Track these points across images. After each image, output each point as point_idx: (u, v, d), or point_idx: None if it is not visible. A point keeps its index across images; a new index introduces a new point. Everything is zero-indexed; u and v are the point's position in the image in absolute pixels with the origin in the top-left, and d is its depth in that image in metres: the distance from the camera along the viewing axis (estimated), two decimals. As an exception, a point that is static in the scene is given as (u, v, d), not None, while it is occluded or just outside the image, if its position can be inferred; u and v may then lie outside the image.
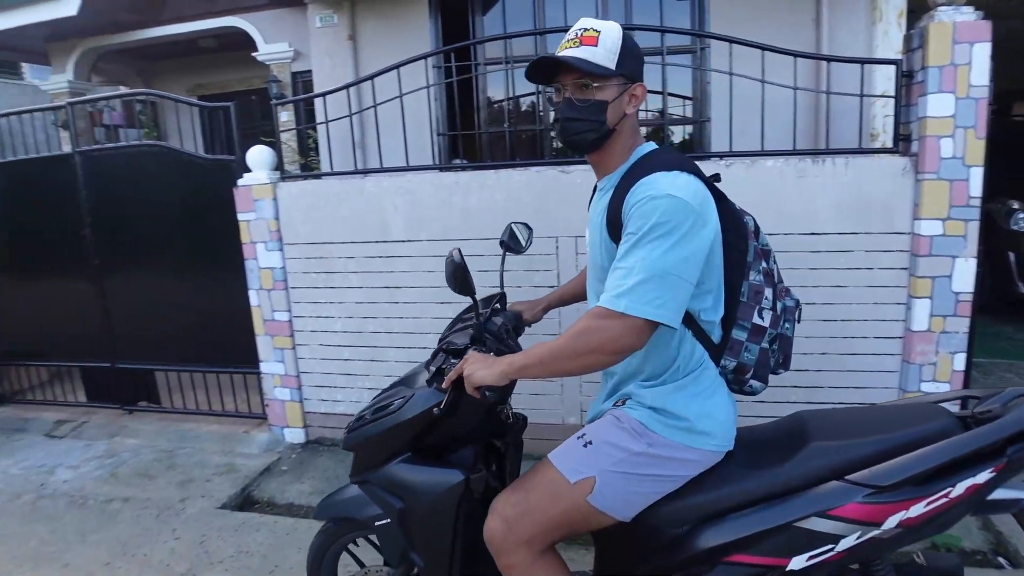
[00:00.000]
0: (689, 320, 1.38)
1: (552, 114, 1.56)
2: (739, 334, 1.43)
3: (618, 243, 1.32)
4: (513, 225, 1.99)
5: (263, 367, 3.71)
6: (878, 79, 3.96)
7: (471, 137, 4.75)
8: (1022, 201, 5.40)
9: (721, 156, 3.07)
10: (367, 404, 1.73)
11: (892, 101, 3.01)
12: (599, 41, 1.35)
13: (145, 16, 6.75)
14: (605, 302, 1.26)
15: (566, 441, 1.48)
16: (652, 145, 1.46)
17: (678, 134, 5.12)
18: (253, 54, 6.74)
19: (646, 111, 4.81)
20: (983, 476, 1.21)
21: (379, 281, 3.46)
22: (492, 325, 1.70)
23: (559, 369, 1.32)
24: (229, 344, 3.83)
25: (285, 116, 6.58)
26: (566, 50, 1.37)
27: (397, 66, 3.24)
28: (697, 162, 2.94)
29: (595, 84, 1.36)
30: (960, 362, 2.90)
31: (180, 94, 7.74)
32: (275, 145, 3.60)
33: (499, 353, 1.50)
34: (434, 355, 1.66)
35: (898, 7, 3.88)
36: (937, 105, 2.71)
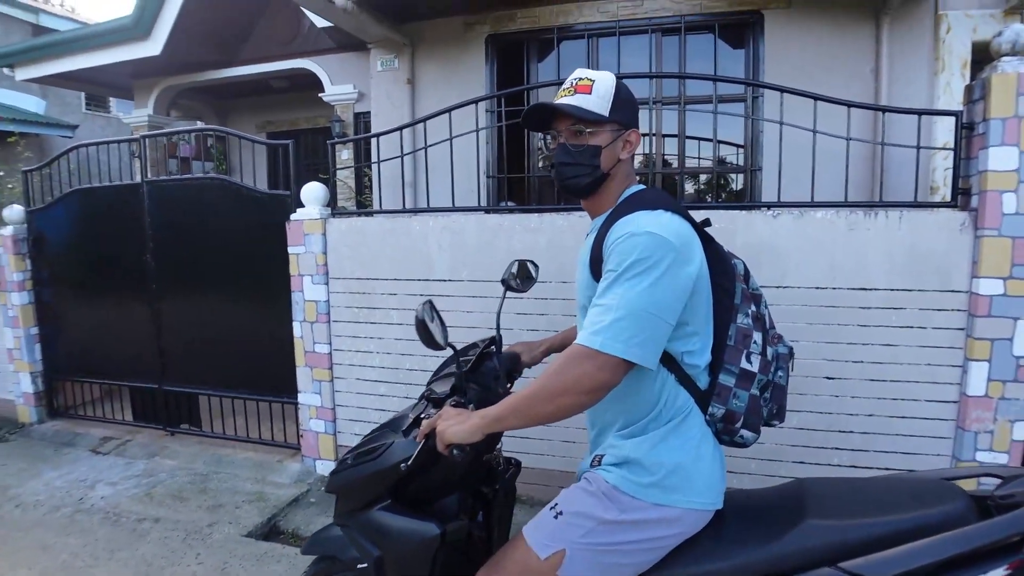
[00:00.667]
0: (672, 363, 1.34)
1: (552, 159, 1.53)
2: (727, 379, 1.38)
3: (598, 280, 1.32)
4: (518, 262, 1.94)
5: (301, 398, 3.78)
6: (939, 131, 3.84)
7: (520, 180, 4.82)
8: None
9: (769, 206, 3.00)
10: (354, 446, 1.70)
11: (952, 155, 2.91)
12: (593, 89, 1.39)
13: (223, 57, 7.18)
14: (582, 340, 1.23)
15: (540, 511, 1.43)
16: (640, 186, 1.48)
17: (731, 183, 5.07)
18: (320, 95, 7.06)
19: (698, 158, 4.79)
20: (994, 574, 1.08)
21: (419, 318, 3.49)
22: (480, 372, 1.64)
23: (535, 415, 1.25)
24: (270, 373, 3.92)
25: (346, 154, 6.85)
26: (562, 98, 1.41)
27: (449, 110, 3.34)
28: (744, 211, 2.89)
29: (588, 130, 1.40)
30: (1021, 431, 2.71)
31: (251, 130, 8.22)
32: (330, 182, 3.73)
33: (484, 402, 1.43)
34: (420, 399, 1.63)
35: (962, 57, 3.77)
36: (999, 158, 2.60)
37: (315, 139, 8.15)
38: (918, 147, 2.91)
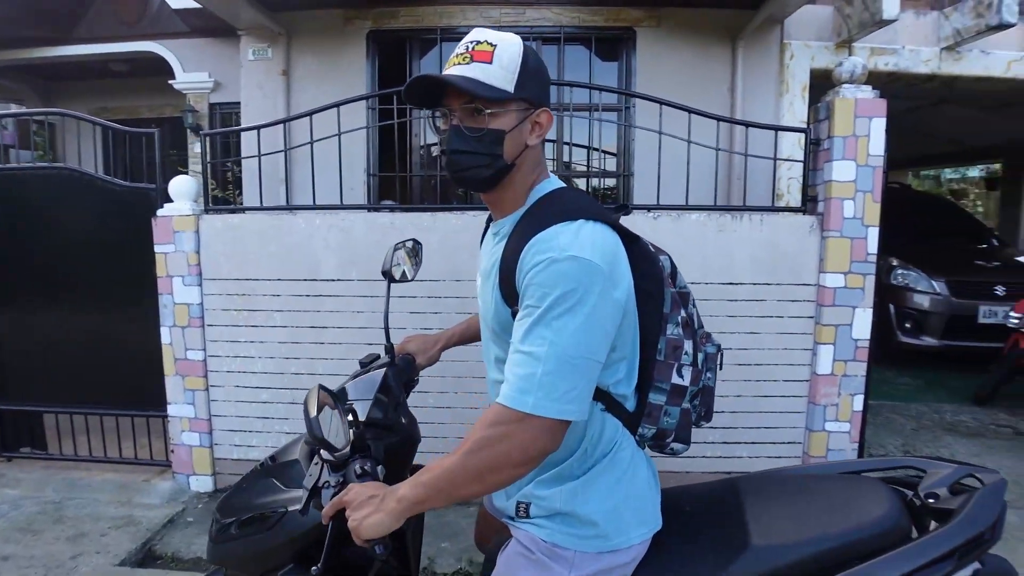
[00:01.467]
0: (598, 394, 1.15)
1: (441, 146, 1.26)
2: (657, 398, 1.21)
3: (512, 308, 1.11)
4: (398, 246, 1.66)
5: (171, 409, 3.46)
6: (783, 144, 4.34)
7: (402, 180, 4.76)
8: (900, 259, 6.00)
9: (649, 208, 3.24)
10: (230, 503, 1.42)
11: (795, 165, 3.32)
12: (494, 57, 1.10)
13: (53, 34, 6.38)
14: (508, 400, 1.02)
15: None
16: (554, 182, 1.23)
17: (601, 186, 5.36)
18: (169, 82, 6.50)
19: (573, 163, 5.02)
20: None
21: (305, 320, 3.35)
22: (377, 408, 1.36)
23: (464, 495, 1.05)
24: (132, 384, 3.55)
25: (199, 147, 6.36)
26: (454, 67, 1.12)
27: (338, 104, 3.24)
28: (631, 214, 3.06)
29: (489, 110, 1.11)
30: (859, 403, 3.16)
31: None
32: (201, 177, 3.46)
33: (390, 450, 1.25)
34: (312, 450, 1.31)
35: (803, 82, 4.30)
36: (841, 171, 3.01)
37: (159, 130, 7.48)
38: (775, 159, 3.29)
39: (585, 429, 1.16)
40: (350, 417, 1.22)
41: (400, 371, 1.52)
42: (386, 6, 4.32)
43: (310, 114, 3.31)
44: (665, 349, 1.21)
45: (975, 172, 15.75)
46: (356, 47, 4.36)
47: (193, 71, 6.48)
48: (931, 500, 1.23)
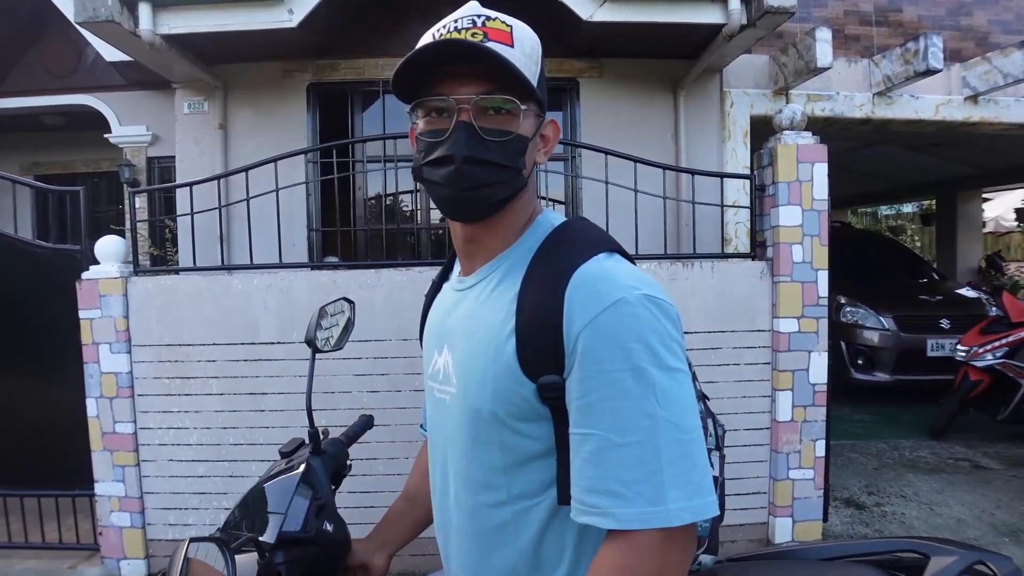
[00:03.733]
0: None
1: (427, 153, 0.84)
2: None
3: (541, 380, 0.78)
4: (322, 309, 1.37)
5: (98, 488, 3.18)
6: (728, 190, 4.40)
7: (346, 234, 4.64)
8: (848, 296, 6.11)
9: (599, 257, 3.18)
10: None
11: (740, 210, 3.33)
12: (514, 40, 0.83)
13: (-19, 87, 6.13)
14: (637, 520, 0.70)
15: None
16: (556, 215, 0.95)
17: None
18: (105, 135, 6.28)
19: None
20: None
21: (243, 387, 3.16)
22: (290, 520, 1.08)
23: None
24: (55, 462, 3.26)
25: (138, 203, 6.13)
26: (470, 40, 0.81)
27: (276, 159, 3.14)
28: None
29: (512, 107, 0.82)
30: (821, 448, 3.11)
31: (14, 172, 7.02)
32: (125, 235, 3.28)
33: (307, 568, 1.02)
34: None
35: (743, 128, 4.40)
36: (787, 215, 3.02)
37: (95, 186, 7.22)
38: (722, 205, 3.29)
39: (574, 548, 0.84)
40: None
41: (328, 459, 1.27)
42: (326, 59, 4.27)
43: (246, 169, 3.20)
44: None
45: (909, 208, 16.49)
46: (296, 100, 4.28)
47: (130, 124, 6.28)
48: None
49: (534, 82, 0.83)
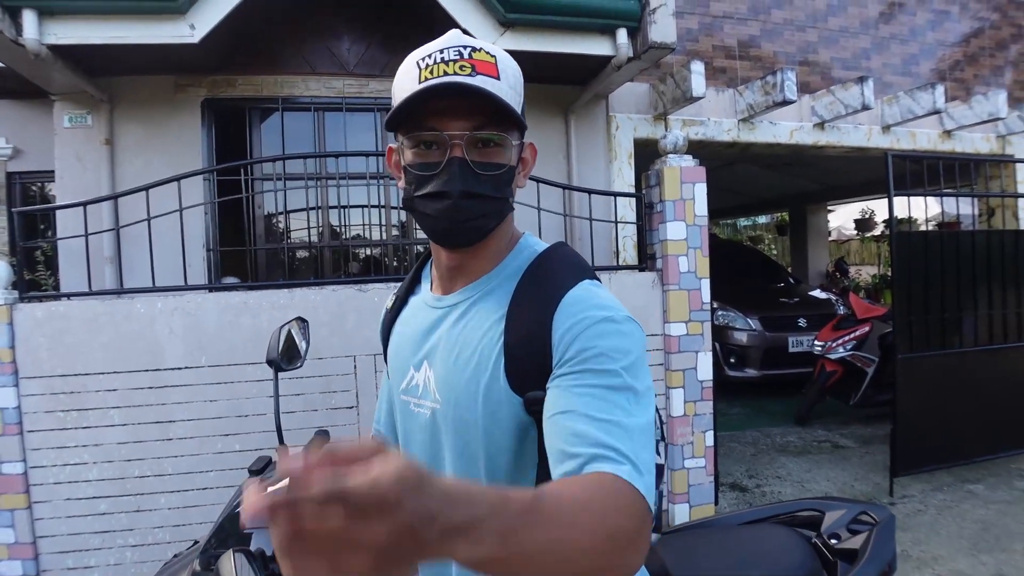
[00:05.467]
0: None
1: (418, 186, 0.87)
2: None
3: (526, 392, 0.85)
4: (284, 328, 1.49)
5: (-19, 536, 2.93)
6: (618, 206, 4.76)
7: (243, 254, 4.53)
8: (719, 301, 6.72)
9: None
10: None
11: (628, 225, 3.66)
12: (500, 72, 0.85)
13: None
14: (627, 474, 0.71)
15: None
16: (537, 240, 1.00)
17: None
18: (-44, 150, 5.68)
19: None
20: None
21: (148, 416, 3.03)
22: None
23: (539, 562, 0.57)
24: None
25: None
26: (449, 77, 0.83)
27: (179, 178, 3.09)
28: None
29: (502, 140, 0.86)
30: (710, 439, 3.48)
31: None
32: (16, 259, 3.06)
33: None
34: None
35: (628, 150, 4.79)
36: (674, 230, 3.37)
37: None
38: (616, 221, 3.60)
39: None
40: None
41: None
42: (222, 74, 4.16)
43: (147, 188, 3.11)
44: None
45: (764, 219, 18.17)
46: (190, 116, 4.13)
47: (-14, 138, 5.72)
48: (834, 541, 1.38)
49: (519, 111, 0.88)
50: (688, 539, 1.45)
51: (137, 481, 3.03)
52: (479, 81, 0.82)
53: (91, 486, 3.00)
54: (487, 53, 0.85)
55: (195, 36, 3.34)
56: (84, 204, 3.08)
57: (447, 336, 0.94)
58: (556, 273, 0.90)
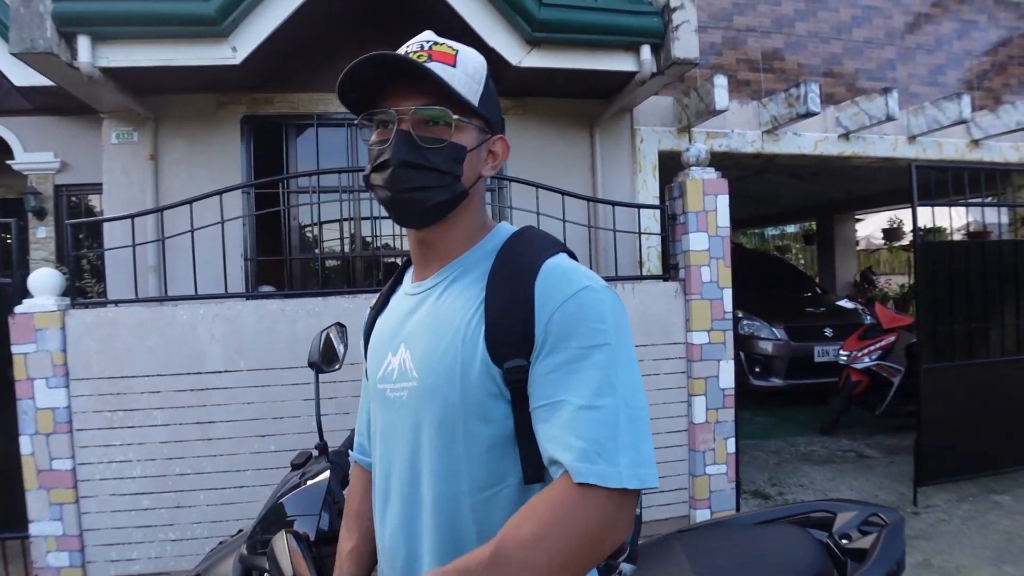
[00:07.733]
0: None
1: (372, 161, 0.94)
2: None
3: (505, 362, 0.87)
4: (324, 333, 1.60)
5: (33, 528, 3.09)
6: (643, 218, 4.83)
7: (278, 264, 4.71)
8: (745, 311, 6.73)
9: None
10: None
11: (652, 236, 3.73)
12: (458, 61, 0.93)
13: None
14: (588, 474, 0.76)
15: None
16: (509, 226, 1.05)
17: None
18: (8, 162, 5.98)
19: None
20: None
21: (189, 417, 3.19)
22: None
23: None
24: (-18, 505, 3.15)
25: (43, 232, 5.90)
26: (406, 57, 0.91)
27: (220, 192, 3.23)
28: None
29: (456, 117, 0.92)
30: (731, 446, 3.52)
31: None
32: (67, 268, 3.25)
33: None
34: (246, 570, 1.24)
35: (652, 162, 4.86)
36: (696, 241, 3.43)
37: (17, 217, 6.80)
38: (639, 232, 3.68)
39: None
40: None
41: (337, 468, 1.47)
42: (260, 92, 4.35)
43: (190, 202, 3.26)
44: None
45: (792, 229, 18.01)
46: (230, 132, 4.33)
47: (36, 151, 6.00)
48: (845, 541, 1.44)
49: (475, 99, 0.94)
50: (704, 537, 1.53)
51: (178, 479, 3.18)
52: (431, 66, 0.90)
53: (135, 483, 3.15)
54: (449, 47, 0.94)
55: (237, 58, 3.52)
56: (132, 216, 3.26)
57: (424, 316, 0.98)
58: (533, 244, 0.95)
